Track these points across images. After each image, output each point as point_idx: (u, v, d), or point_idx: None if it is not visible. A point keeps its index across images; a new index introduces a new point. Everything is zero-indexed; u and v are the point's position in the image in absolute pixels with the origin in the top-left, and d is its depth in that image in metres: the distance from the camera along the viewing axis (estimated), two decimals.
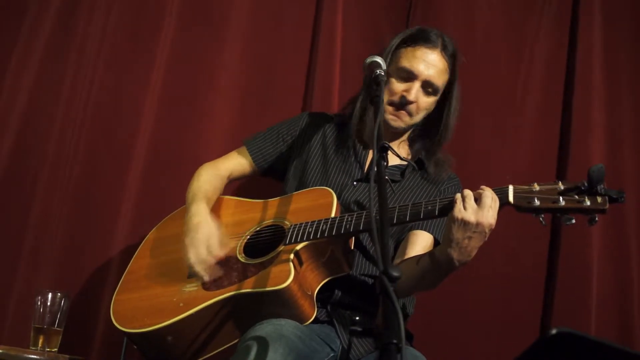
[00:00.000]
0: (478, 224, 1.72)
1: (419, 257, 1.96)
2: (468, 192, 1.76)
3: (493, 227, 1.74)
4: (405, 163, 2.20)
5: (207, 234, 1.99)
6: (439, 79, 2.14)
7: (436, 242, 2.12)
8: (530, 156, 2.78)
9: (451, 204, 1.76)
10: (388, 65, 2.10)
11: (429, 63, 2.13)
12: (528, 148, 2.79)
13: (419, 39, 2.16)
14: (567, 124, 2.77)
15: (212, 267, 1.96)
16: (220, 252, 1.97)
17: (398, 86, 2.13)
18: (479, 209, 1.72)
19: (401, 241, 2.15)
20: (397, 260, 2.08)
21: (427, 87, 2.14)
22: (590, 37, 2.81)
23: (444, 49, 2.16)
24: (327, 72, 2.85)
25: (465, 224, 1.73)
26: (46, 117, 2.72)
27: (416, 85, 2.12)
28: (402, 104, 2.13)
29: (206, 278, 1.95)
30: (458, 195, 1.76)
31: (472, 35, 2.90)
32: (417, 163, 2.22)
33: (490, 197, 1.73)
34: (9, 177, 2.67)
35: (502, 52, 2.88)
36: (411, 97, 2.11)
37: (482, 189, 1.76)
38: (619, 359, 1.16)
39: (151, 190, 2.72)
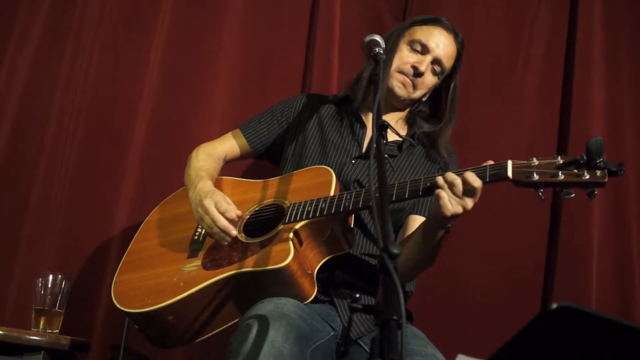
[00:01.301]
0: (464, 210, 1.74)
1: (414, 238, 1.96)
2: (444, 182, 1.74)
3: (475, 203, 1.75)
4: (401, 139, 2.21)
5: (222, 195, 2.00)
6: (448, 61, 2.23)
7: None
8: (530, 135, 2.77)
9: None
10: (400, 38, 2.22)
11: (443, 43, 2.21)
12: (529, 126, 2.78)
13: (436, 21, 2.25)
14: (568, 102, 2.76)
15: (233, 223, 1.94)
16: (237, 210, 1.97)
17: (410, 56, 2.19)
18: (460, 199, 1.72)
19: (400, 226, 2.15)
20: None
21: (436, 65, 2.20)
22: (590, 15, 2.79)
23: (456, 36, 2.25)
24: (326, 54, 2.84)
25: (452, 215, 1.73)
26: (44, 101, 2.72)
27: (428, 59, 2.18)
28: (412, 74, 2.18)
29: (233, 231, 1.93)
30: (439, 192, 1.73)
31: (472, 15, 2.88)
32: (413, 138, 2.23)
33: (460, 184, 1.71)
34: (8, 161, 2.68)
35: (502, 30, 2.86)
36: (423, 68, 2.17)
37: (447, 177, 1.74)
38: (620, 333, 1.15)
39: (150, 173, 2.72)
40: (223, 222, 1.93)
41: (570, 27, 2.83)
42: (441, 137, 2.23)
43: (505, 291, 2.64)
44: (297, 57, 2.89)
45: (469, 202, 1.72)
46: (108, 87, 2.77)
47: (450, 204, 1.71)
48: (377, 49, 1.96)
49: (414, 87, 2.20)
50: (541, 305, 2.62)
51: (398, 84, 2.19)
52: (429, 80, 2.21)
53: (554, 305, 1.11)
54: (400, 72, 2.18)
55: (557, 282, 2.62)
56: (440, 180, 1.74)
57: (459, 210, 1.72)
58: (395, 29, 2.31)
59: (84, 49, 2.76)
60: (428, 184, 1.78)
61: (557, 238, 2.66)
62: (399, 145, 2.21)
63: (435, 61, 2.20)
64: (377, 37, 2.01)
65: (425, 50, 2.19)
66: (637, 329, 1.15)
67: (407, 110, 2.30)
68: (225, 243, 1.96)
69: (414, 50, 2.20)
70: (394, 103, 2.25)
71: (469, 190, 1.71)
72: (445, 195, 1.72)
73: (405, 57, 2.19)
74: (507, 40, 2.86)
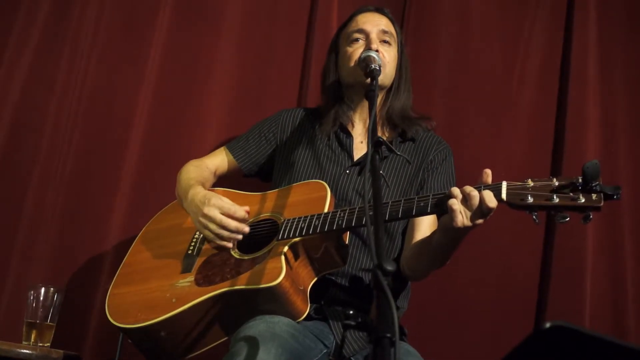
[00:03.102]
0: (474, 225, 1.73)
1: (427, 245, 1.95)
2: (458, 194, 1.73)
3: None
4: (391, 139, 2.21)
5: (220, 197, 1.98)
6: (389, 27, 2.26)
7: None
8: (525, 151, 2.77)
9: (443, 201, 1.75)
10: (339, 49, 2.27)
11: (373, 18, 2.25)
12: (523, 142, 2.78)
13: (355, 13, 2.31)
14: (562, 119, 2.76)
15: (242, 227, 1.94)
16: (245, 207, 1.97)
17: (357, 48, 2.20)
18: (473, 213, 1.71)
19: (405, 229, 2.15)
20: (407, 248, 2.09)
21: (383, 35, 2.22)
22: (586, 32, 2.80)
23: (379, 11, 2.30)
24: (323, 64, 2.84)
25: (465, 227, 1.73)
26: (39, 111, 2.71)
27: (372, 36, 2.19)
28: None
29: (246, 229, 1.93)
30: (453, 202, 1.72)
31: (468, 30, 2.89)
32: (402, 135, 2.22)
33: (477, 198, 1.70)
34: (2, 170, 2.66)
35: (498, 46, 2.87)
36: (374, 45, 2.16)
37: (466, 189, 1.74)
38: (614, 352, 1.15)
39: (145, 184, 2.71)
40: (234, 224, 1.93)
41: (565, 44, 2.84)
42: (396, 105, 2.22)
43: (499, 307, 2.63)
44: (294, 69, 2.89)
45: (480, 220, 1.72)
46: (104, 96, 2.77)
47: (462, 215, 1.71)
48: (373, 65, 1.97)
49: (381, 65, 2.07)
50: (535, 321, 2.61)
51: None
52: (387, 53, 2.20)
53: (548, 324, 1.10)
54: (359, 64, 2.12)
55: (552, 298, 2.61)
56: (455, 190, 1.73)
57: (469, 223, 1.71)
58: (328, 52, 2.35)
59: (80, 58, 2.76)
60: (437, 199, 1.77)
61: (551, 253, 2.65)
62: (389, 147, 2.20)
63: (379, 33, 2.21)
64: (374, 54, 2.03)
65: (364, 32, 2.21)
66: (630, 348, 1.15)
67: (385, 111, 2.25)
68: (231, 245, 1.95)
69: (356, 41, 2.21)
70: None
71: (482, 208, 1.70)
72: (457, 207, 1.71)
73: (354, 52, 2.19)
74: (502, 56, 2.87)
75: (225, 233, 1.93)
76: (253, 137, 2.34)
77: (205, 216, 1.95)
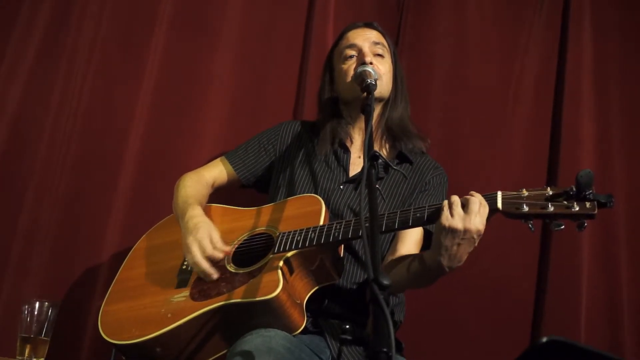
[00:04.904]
0: (466, 231, 1.72)
1: (409, 261, 1.95)
2: (455, 199, 1.76)
3: (482, 233, 1.74)
4: (389, 158, 2.22)
5: (209, 231, 1.99)
6: (381, 39, 2.28)
7: (426, 233, 2.13)
8: (520, 167, 2.78)
9: (439, 211, 1.76)
10: (334, 67, 2.29)
11: (364, 33, 2.28)
12: (518, 159, 2.79)
13: (345, 30, 2.33)
14: (557, 135, 2.78)
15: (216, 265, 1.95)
16: (225, 247, 1.97)
17: (351, 63, 2.22)
18: (466, 215, 1.72)
19: (391, 241, 2.15)
20: (388, 258, 2.08)
21: (375, 47, 2.23)
22: (580, 49, 2.83)
23: (368, 25, 2.32)
24: (319, 80, 2.84)
25: (452, 231, 1.73)
26: (36, 125, 2.71)
27: (365, 49, 2.21)
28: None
29: (214, 275, 1.93)
30: (445, 202, 1.76)
31: (464, 46, 2.91)
32: (399, 157, 2.23)
33: (477, 203, 1.72)
34: None
35: (493, 62, 2.89)
36: (368, 58, 2.18)
37: (470, 195, 1.76)
38: None
39: (141, 198, 2.71)
40: (203, 267, 1.94)
41: (560, 60, 2.87)
42: (394, 116, 2.24)
43: (496, 319, 2.63)
44: (290, 84, 2.91)
45: (466, 220, 1.71)
46: (100, 111, 2.77)
47: (447, 217, 1.72)
48: (368, 80, 1.98)
49: (378, 77, 2.09)
50: (531, 335, 2.61)
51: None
52: (382, 64, 2.22)
53: (544, 339, 1.11)
54: (356, 79, 2.11)
55: (547, 309, 2.61)
56: (453, 197, 1.76)
57: (458, 225, 1.71)
58: (322, 71, 2.37)
59: (76, 74, 2.76)
60: (429, 212, 1.78)
61: (547, 268, 2.66)
62: (384, 166, 2.20)
63: (372, 46, 2.23)
64: (369, 68, 2.05)
65: (356, 46, 2.23)
66: None
67: (382, 126, 2.26)
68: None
69: (350, 57, 2.23)
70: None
71: (465, 207, 1.72)
72: (446, 210, 1.73)
73: (349, 68, 2.21)
74: (498, 71, 2.89)
75: (197, 268, 1.96)
76: (252, 148, 2.34)
77: (186, 246, 1.98)
